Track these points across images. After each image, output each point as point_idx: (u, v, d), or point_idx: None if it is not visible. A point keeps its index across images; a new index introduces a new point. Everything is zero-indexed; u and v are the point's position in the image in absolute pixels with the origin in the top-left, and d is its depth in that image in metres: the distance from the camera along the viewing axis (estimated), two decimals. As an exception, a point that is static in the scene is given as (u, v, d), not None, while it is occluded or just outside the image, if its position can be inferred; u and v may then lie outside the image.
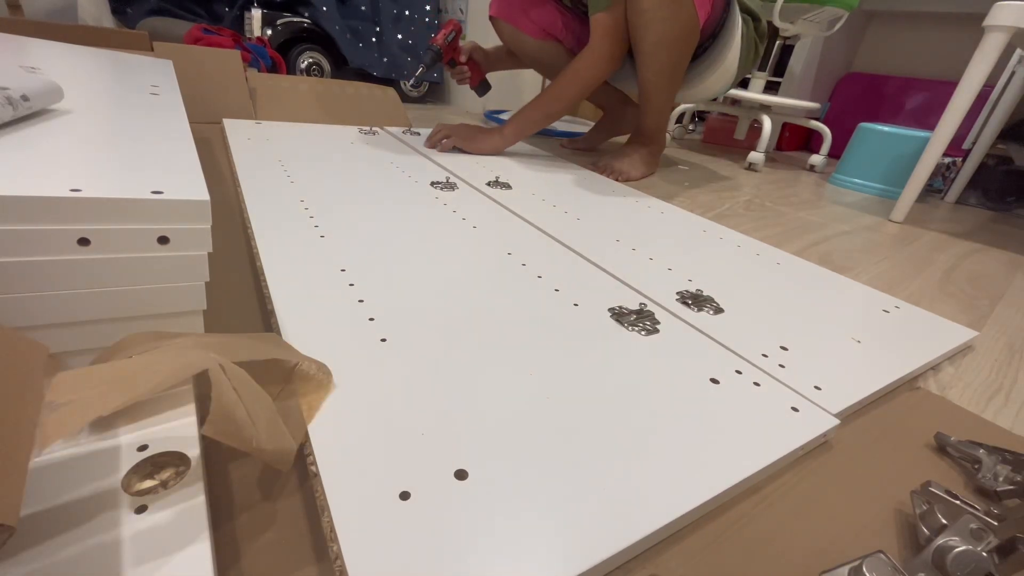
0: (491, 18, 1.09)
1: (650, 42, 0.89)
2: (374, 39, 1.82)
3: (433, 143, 0.98)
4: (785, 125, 1.85)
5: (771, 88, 1.85)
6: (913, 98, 1.86)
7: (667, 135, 1.71)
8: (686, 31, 0.88)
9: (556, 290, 0.46)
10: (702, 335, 0.42)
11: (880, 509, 0.29)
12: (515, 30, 1.08)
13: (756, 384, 0.36)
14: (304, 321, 0.35)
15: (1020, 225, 1.20)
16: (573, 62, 0.94)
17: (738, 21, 0.97)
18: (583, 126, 1.61)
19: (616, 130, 1.30)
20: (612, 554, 0.22)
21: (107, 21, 1.46)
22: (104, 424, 0.24)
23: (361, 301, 0.39)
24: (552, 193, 0.78)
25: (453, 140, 0.97)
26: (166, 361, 0.22)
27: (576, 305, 0.43)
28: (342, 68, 1.79)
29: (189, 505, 0.21)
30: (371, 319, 0.37)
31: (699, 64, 1.01)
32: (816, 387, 0.37)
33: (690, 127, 1.98)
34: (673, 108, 1.10)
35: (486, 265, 0.49)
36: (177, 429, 0.25)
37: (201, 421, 0.25)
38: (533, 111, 0.98)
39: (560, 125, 1.58)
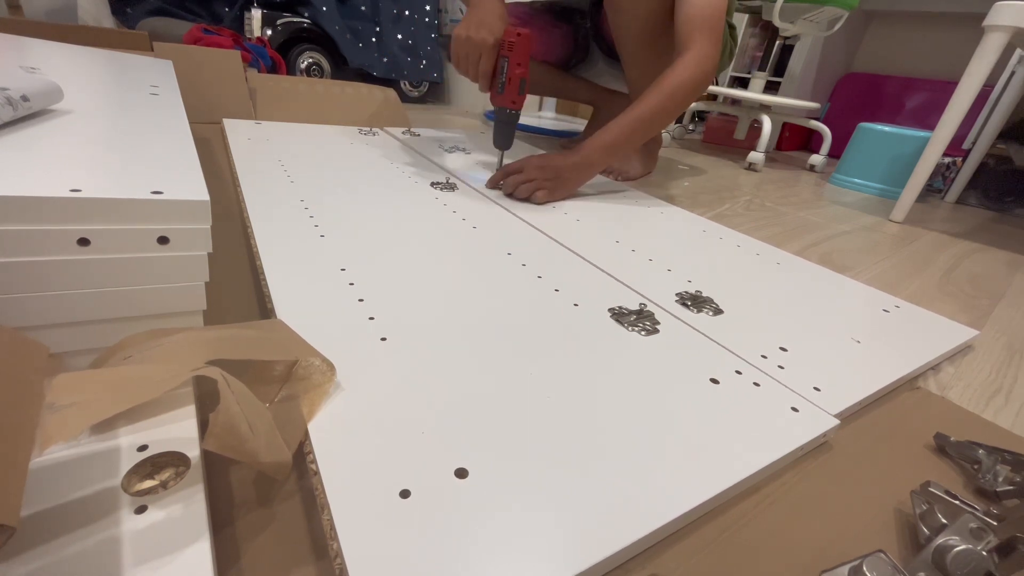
0: None
1: (632, 41, 0.88)
2: (374, 39, 1.82)
3: (509, 189, 0.72)
4: (785, 125, 1.85)
5: (771, 88, 1.85)
6: (913, 98, 1.86)
7: (667, 134, 1.72)
8: (661, 22, 0.84)
9: (556, 290, 0.46)
10: (702, 336, 0.42)
11: (880, 509, 0.29)
12: None
13: (756, 384, 0.36)
14: (304, 320, 0.35)
15: (1020, 225, 1.20)
16: (668, 75, 0.72)
17: None
18: (582, 126, 1.61)
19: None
20: (612, 553, 0.22)
21: (107, 21, 1.46)
22: (104, 424, 0.24)
23: (361, 300, 0.39)
24: (552, 193, 0.78)
25: (535, 184, 0.71)
26: (168, 368, 0.22)
27: (576, 305, 0.43)
28: (342, 68, 1.79)
29: (189, 505, 0.21)
30: (371, 318, 0.37)
31: None
32: (816, 387, 0.37)
33: (690, 127, 1.98)
34: None
35: (486, 265, 0.49)
36: (177, 429, 0.25)
37: (202, 422, 0.25)
38: (626, 131, 0.73)
39: (559, 125, 1.58)
